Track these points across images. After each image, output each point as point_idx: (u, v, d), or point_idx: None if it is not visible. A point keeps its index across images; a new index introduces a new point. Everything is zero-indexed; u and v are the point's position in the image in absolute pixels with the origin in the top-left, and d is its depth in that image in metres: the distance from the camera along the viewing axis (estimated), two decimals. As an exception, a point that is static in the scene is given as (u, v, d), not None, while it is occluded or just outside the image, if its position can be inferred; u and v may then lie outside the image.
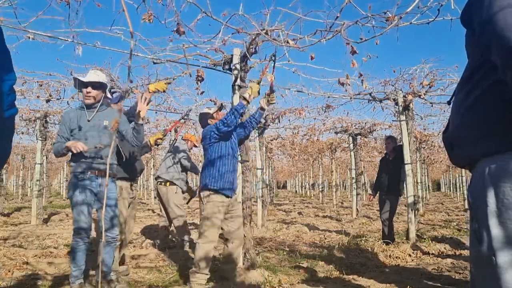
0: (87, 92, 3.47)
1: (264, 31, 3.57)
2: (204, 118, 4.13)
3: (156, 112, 8.88)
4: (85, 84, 3.47)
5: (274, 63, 3.91)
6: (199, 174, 6.53)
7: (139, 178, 4.31)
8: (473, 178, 1.24)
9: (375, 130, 10.62)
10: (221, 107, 4.12)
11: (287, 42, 3.52)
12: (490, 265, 1.12)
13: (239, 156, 4.20)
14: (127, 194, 4.07)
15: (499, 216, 1.11)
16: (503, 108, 1.14)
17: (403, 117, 6.10)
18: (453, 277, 4.17)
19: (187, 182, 6.12)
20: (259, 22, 3.58)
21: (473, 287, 1.23)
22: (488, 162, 1.17)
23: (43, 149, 9.10)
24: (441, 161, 19.76)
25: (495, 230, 1.12)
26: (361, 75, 4.65)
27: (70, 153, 3.48)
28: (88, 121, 3.46)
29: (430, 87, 6.17)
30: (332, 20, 3.24)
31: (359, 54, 3.48)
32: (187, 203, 5.97)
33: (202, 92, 4.66)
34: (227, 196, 3.78)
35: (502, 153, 1.14)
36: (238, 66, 4.20)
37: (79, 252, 3.41)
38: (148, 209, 13.19)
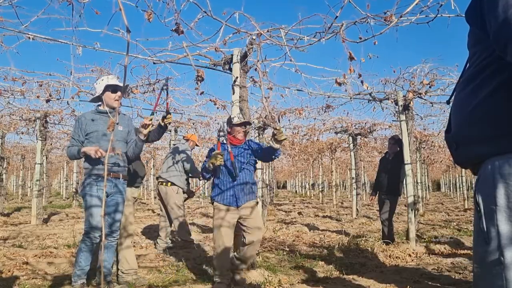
0: (118, 97, 3.61)
1: (265, 30, 3.57)
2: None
3: (156, 112, 8.88)
4: (115, 89, 3.60)
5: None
6: (200, 177, 6.54)
7: (141, 183, 4.33)
8: (481, 177, 1.21)
9: (375, 130, 10.62)
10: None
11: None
12: (497, 264, 1.10)
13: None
14: (131, 195, 4.09)
15: (509, 214, 1.11)
16: None
17: (403, 117, 6.09)
18: (453, 277, 4.17)
19: (188, 183, 6.11)
20: (259, 22, 3.58)
21: (476, 286, 1.22)
22: (497, 160, 1.15)
23: (43, 149, 9.09)
24: (441, 161, 19.75)
25: (505, 228, 1.11)
26: (360, 75, 4.65)
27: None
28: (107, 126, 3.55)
29: (430, 87, 6.17)
30: (331, 19, 3.24)
31: (359, 53, 3.49)
32: (184, 200, 5.98)
33: (202, 92, 4.66)
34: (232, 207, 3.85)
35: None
36: (238, 66, 4.20)
37: (86, 253, 3.46)
38: (148, 209, 13.20)
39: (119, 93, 3.60)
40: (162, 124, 4.08)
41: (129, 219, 3.98)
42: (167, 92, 4.12)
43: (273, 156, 3.83)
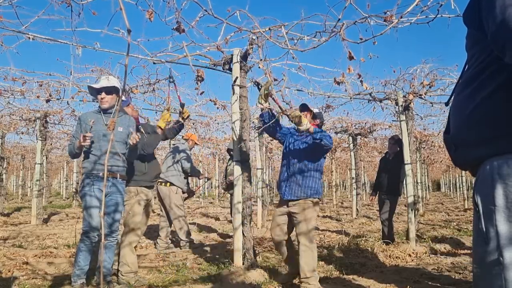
0: (102, 98, 3.64)
1: (266, 28, 3.57)
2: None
3: (156, 112, 8.88)
4: (99, 90, 3.63)
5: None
6: (199, 176, 6.55)
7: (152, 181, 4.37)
8: (480, 177, 1.22)
9: (375, 130, 10.62)
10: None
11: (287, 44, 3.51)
12: (497, 264, 1.11)
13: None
14: (144, 196, 4.14)
15: (508, 215, 1.11)
16: None
17: (403, 117, 6.09)
18: (453, 277, 4.17)
19: (187, 182, 6.12)
20: (259, 17, 3.58)
21: (476, 287, 1.22)
22: (496, 161, 1.16)
23: (43, 149, 9.09)
24: (441, 161, 19.76)
25: (503, 228, 1.11)
26: (359, 75, 4.64)
27: (83, 154, 3.62)
28: (106, 125, 3.57)
29: (430, 87, 6.17)
30: (332, 19, 3.24)
31: (359, 53, 3.49)
32: (183, 200, 5.98)
33: (202, 92, 4.65)
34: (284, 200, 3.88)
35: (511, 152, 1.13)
36: (238, 66, 4.20)
37: (85, 252, 3.48)
38: (148, 209, 13.18)
39: (102, 94, 3.63)
40: (181, 120, 4.32)
41: (134, 218, 4.00)
42: (174, 84, 4.24)
43: (315, 141, 3.56)
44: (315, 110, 4.01)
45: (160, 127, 4.21)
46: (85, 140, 3.38)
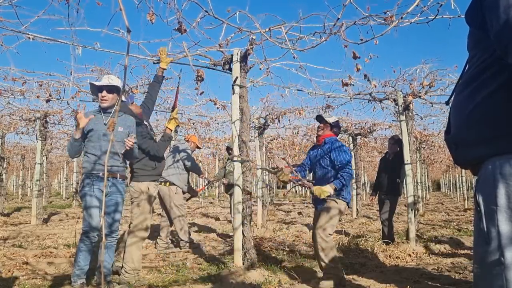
0: (102, 96, 3.63)
1: (265, 30, 3.58)
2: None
3: (156, 112, 8.89)
4: (100, 89, 3.63)
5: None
6: (200, 174, 6.57)
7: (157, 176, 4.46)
8: (482, 176, 1.21)
9: (375, 130, 10.63)
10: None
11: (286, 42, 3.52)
12: (498, 264, 1.11)
13: (239, 156, 4.19)
14: (153, 192, 4.18)
15: (509, 215, 1.11)
16: None
17: (403, 117, 6.09)
18: (453, 277, 4.17)
19: (188, 182, 6.12)
20: (260, 14, 3.59)
21: (476, 287, 1.22)
22: (498, 161, 1.15)
23: (43, 149, 9.10)
24: (441, 161, 19.77)
25: (505, 228, 1.11)
26: (366, 75, 4.66)
27: (83, 154, 3.63)
28: (105, 124, 3.57)
29: (430, 87, 6.17)
30: (332, 19, 3.25)
31: (359, 53, 3.49)
32: (186, 200, 5.99)
33: (202, 93, 4.67)
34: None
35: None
36: (238, 66, 4.20)
37: (84, 252, 3.48)
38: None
39: (103, 93, 3.62)
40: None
41: (144, 216, 4.01)
42: (178, 86, 4.52)
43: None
44: (332, 120, 4.09)
45: (170, 128, 4.28)
46: (80, 120, 3.40)
